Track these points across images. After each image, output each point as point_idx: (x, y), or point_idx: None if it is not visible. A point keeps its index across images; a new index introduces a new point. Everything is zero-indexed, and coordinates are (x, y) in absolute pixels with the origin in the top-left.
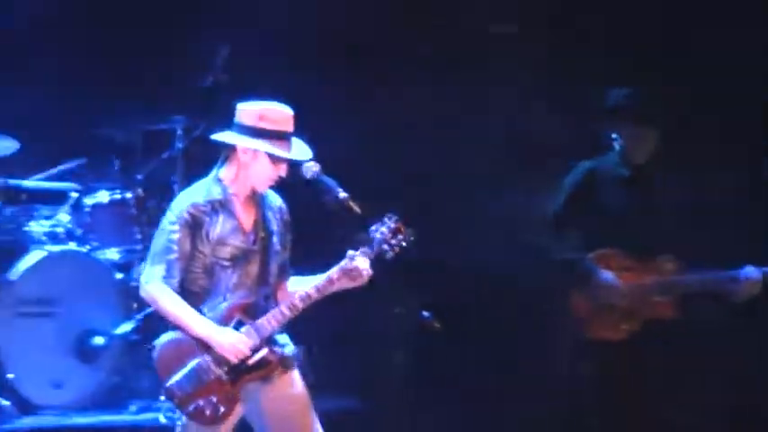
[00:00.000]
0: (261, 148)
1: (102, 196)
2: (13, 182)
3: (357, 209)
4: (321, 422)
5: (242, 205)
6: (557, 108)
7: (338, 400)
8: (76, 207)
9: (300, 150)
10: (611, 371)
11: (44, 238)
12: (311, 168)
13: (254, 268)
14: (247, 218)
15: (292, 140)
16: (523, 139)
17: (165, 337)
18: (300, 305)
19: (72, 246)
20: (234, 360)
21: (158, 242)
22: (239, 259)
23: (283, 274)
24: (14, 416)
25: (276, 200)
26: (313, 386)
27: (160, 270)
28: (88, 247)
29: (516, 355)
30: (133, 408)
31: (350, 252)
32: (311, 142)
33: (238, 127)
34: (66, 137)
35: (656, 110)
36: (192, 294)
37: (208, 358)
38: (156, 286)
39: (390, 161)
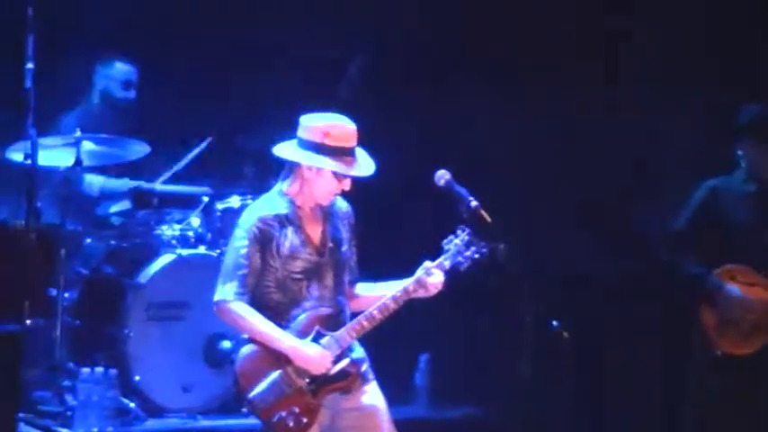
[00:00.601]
0: (325, 166)
1: (234, 201)
2: (146, 186)
3: (488, 218)
4: (447, 429)
5: (308, 217)
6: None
7: (461, 408)
8: (207, 211)
9: (364, 165)
10: (736, 385)
11: (174, 241)
12: (444, 176)
13: (327, 279)
14: (315, 230)
15: (356, 154)
16: (659, 152)
17: (246, 350)
18: (379, 316)
19: (202, 249)
20: (317, 372)
21: (229, 259)
22: (311, 272)
23: (352, 281)
24: (141, 418)
25: (342, 205)
26: (436, 394)
27: (232, 287)
28: (218, 251)
29: (639, 369)
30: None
31: (426, 263)
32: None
33: (302, 142)
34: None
35: None
36: (267, 309)
37: (289, 370)
38: (231, 304)
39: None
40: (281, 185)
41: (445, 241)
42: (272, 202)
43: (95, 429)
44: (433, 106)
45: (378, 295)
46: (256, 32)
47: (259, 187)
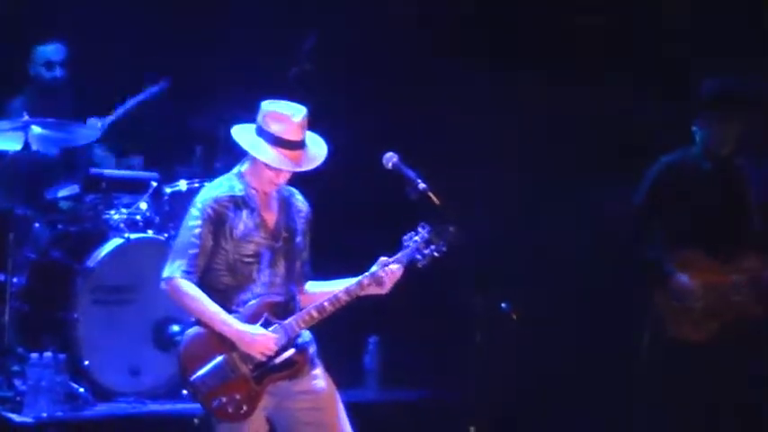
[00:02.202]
0: (256, 154)
1: (182, 185)
2: (94, 170)
3: (436, 200)
4: (399, 412)
5: (264, 202)
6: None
7: (410, 390)
8: (155, 195)
9: (304, 160)
10: (684, 370)
11: (123, 225)
12: (391, 159)
13: (279, 267)
14: (270, 215)
15: (302, 146)
16: (615, 129)
17: (191, 331)
18: (330, 308)
19: (150, 233)
20: (261, 358)
21: (181, 237)
22: (262, 257)
23: (304, 275)
24: (91, 402)
25: (300, 199)
26: (385, 376)
27: (181, 264)
28: (166, 235)
29: (591, 347)
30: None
31: (382, 259)
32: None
33: (257, 126)
34: (151, 126)
35: (740, 99)
36: (216, 292)
37: (234, 355)
38: (178, 282)
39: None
40: (240, 167)
41: (405, 237)
42: (228, 183)
43: (45, 414)
44: (391, 92)
45: (329, 291)
46: (209, 11)
47: (208, 169)
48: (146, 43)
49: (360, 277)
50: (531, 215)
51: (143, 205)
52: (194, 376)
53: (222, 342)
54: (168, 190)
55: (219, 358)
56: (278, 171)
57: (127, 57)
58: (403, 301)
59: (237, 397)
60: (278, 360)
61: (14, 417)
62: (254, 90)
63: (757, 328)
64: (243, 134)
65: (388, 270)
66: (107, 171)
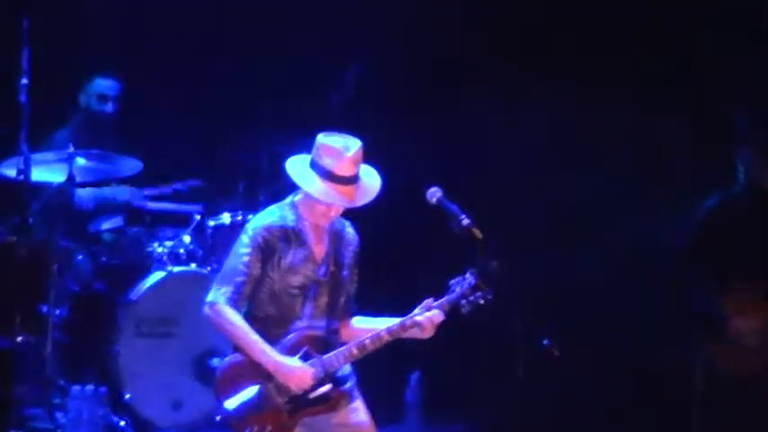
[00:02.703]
0: (306, 187)
1: (224, 218)
2: (137, 203)
3: (479, 235)
4: None
5: (315, 234)
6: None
7: (453, 425)
8: (198, 228)
9: (357, 194)
10: (740, 406)
11: (165, 258)
12: (435, 194)
13: (323, 300)
14: (319, 248)
15: (354, 182)
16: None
17: (229, 358)
18: (371, 347)
19: (193, 267)
20: (296, 391)
21: (229, 263)
22: (308, 289)
23: (348, 311)
24: None
25: (350, 231)
26: (427, 411)
27: (227, 291)
28: (209, 268)
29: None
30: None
31: (426, 301)
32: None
33: (312, 158)
34: (194, 158)
35: None
36: (258, 320)
37: (270, 386)
38: (221, 308)
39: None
40: (294, 197)
41: (452, 281)
42: (281, 213)
43: None
44: (433, 119)
45: (373, 328)
46: (248, 41)
47: (251, 202)
48: (186, 75)
49: (403, 319)
50: (575, 245)
51: (186, 238)
52: (228, 403)
53: (259, 371)
54: (212, 223)
55: (255, 387)
56: (329, 205)
57: (169, 91)
58: (445, 335)
59: (269, 428)
60: (313, 394)
61: None
62: (297, 122)
63: None
64: (296, 166)
65: (430, 315)
66: (150, 203)
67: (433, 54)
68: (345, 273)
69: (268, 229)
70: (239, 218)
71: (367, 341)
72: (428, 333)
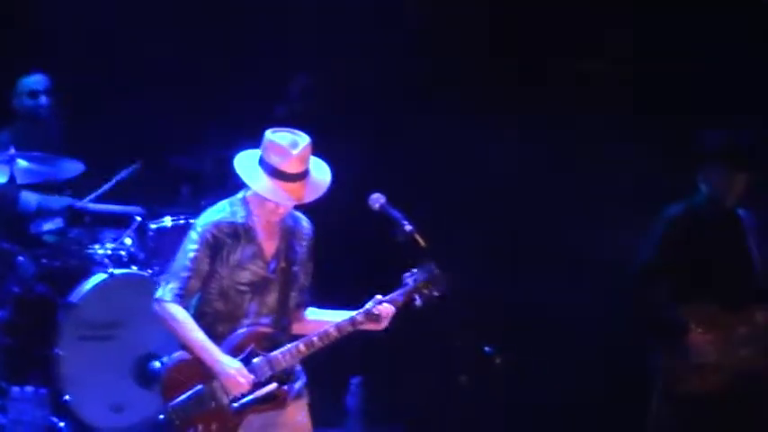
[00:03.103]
0: (252, 185)
1: (166, 221)
2: (78, 204)
3: (422, 242)
4: None
5: (265, 230)
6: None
7: (396, 429)
8: (140, 231)
9: (306, 192)
10: (693, 426)
11: (107, 260)
12: (378, 200)
13: (272, 297)
14: (269, 244)
15: (302, 178)
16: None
17: (176, 356)
18: (319, 344)
19: (134, 269)
20: (235, 393)
21: (177, 259)
22: (257, 286)
23: (301, 304)
24: None
25: (303, 223)
26: (368, 416)
27: (173, 287)
28: (150, 271)
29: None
30: None
31: (377, 297)
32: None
33: (260, 154)
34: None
35: (746, 152)
36: (205, 316)
37: (215, 384)
38: (167, 305)
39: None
40: (245, 192)
41: (406, 274)
42: (231, 209)
43: None
44: (380, 128)
45: (326, 321)
46: (198, 51)
47: (194, 207)
48: (133, 76)
49: (353, 314)
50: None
51: (128, 240)
52: (173, 402)
53: (204, 370)
54: (153, 226)
55: (199, 387)
56: (278, 203)
57: (112, 89)
58: (387, 341)
59: (213, 427)
60: (259, 394)
61: None
62: (243, 127)
63: (764, 381)
64: (244, 162)
65: (382, 308)
66: (91, 205)
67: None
68: (297, 268)
69: (216, 225)
70: (182, 221)
71: (315, 338)
72: (383, 324)
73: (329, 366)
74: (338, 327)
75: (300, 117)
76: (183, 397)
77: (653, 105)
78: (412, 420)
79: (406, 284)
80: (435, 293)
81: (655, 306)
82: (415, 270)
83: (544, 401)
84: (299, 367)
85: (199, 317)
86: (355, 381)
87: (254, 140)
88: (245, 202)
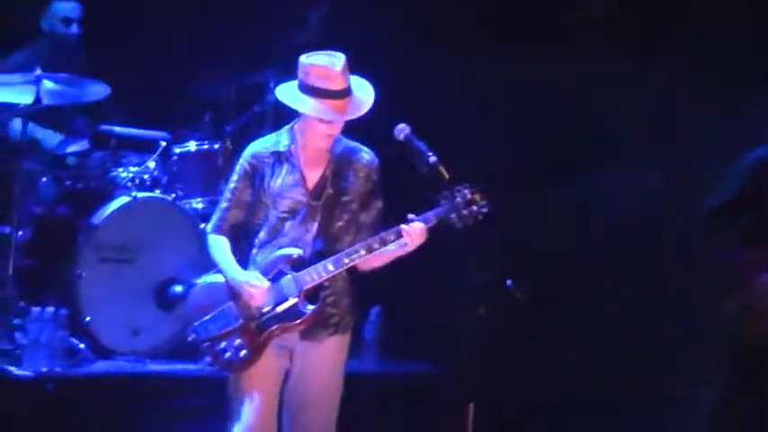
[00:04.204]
0: (297, 106)
1: (191, 146)
2: (104, 127)
3: (446, 173)
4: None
5: (311, 158)
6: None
7: (411, 363)
8: (165, 155)
9: (349, 108)
10: (759, 376)
11: (130, 184)
12: (403, 131)
13: (315, 224)
14: (314, 172)
15: (345, 96)
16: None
17: (203, 281)
18: (347, 261)
19: (157, 193)
20: (253, 304)
21: (224, 191)
22: (298, 213)
23: (360, 235)
24: (90, 359)
25: (365, 157)
26: (386, 348)
27: (215, 219)
28: (173, 195)
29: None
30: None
31: (410, 216)
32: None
33: (298, 81)
34: (161, 90)
35: None
36: (255, 245)
37: (240, 303)
38: (209, 236)
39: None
40: (294, 122)
41: (443, 194)
42: (276, 138)
43: (44, 369)
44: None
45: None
46: None
47: (218, 133)
48: (155, 6)
49: (382, 233)
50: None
51: (151, 164)
52: (198, 321)
53: (231, 291)
54: (177, 150)
55: (225, 305)
56: (328, 123)
57: (133, 18)
58: (408, 272)
59: (237, 343)
60: (279, 308)
61: (14, 370)
62: (264, 55)
63: None
64: (286, 92)
65: (412, 227)
66: (117, 128)
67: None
68: (347, 198)
69: (254, 155)
70: (205, 146)
71: (344, 256)
72: (410, 246)
73: None
74: (368, 244)
75: (318, 46)
76: (209, 316)
77: None
78: (430, 352)
79: (443, 204)
80: (478, 215)
81: (722, 249)
82: (453, 190)
83: (561, 337)
84: (346, 302)
85: (249, 245)
86: (374, 311)
87: (276, 68)
88: (291, 131)
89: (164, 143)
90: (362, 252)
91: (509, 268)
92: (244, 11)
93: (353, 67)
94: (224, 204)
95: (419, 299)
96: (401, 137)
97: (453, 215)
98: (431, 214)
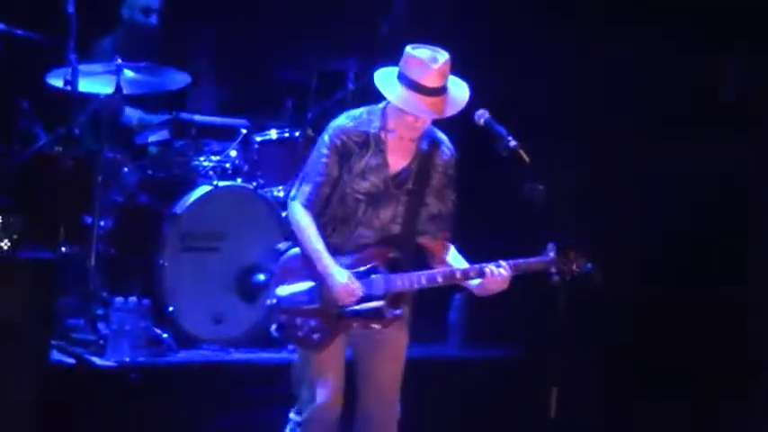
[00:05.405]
0: (389, 95)
1: (272, 133)
2: (184, 115)
3: (526, 158)
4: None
5: (397, 146)
6: None
7: (494, 348)
8: (245, 143)
9: (442, 106)
10: None
11: (211, 172)
12: (483, 115)
13: (388, 212)
14: (398, 160)
15: (440, 93)
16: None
17: (295, 251)
18: (441, 281)
19: (239, 181)
20: (339, 299)
21: (312, 161)
22: (374, 197)
23: (437, 233)
24: (173, 348)
25: (446, 150)
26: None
27: (307, 191)
28: (254, 183)
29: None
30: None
31: (501, 261)
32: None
33: (399, 69)
34: (244, 76)
35: None
36: (324, 217)
37: (323, 288)
38: (298, 208)
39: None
40: (387, 102)
41: (550, 245)
42: (368, 117)
43: (127, 358)
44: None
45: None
46: None
47: (298, 120)
48: None
49: (481, 265)
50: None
51: (232, 153)
52: (282, 289)
53: (317, 273)
54: (258, 138)
55: (310, 283)
56: (416, 116)
57: (213, 7)
58: (490, 256)
59: (312, 324)
60: (365, 306)
61: (97, 360)
62: (347, 40)
63: None
64: (384, 78)
65: (495, 270)
66: (197, 117)
67: None
68: (429, 194)
69: (347, 132)
70: (286, 134)
71: (439, 276)
72: (486, 290)
73: None
74: (464, 272)
75: (404, 33)
76: (293, 287)
77: None
78: (513, 336)
79: (545, 254)
80: (575, 272)
81: None
82: (557, 248)
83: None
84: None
85: (318, 217)
86: (458, 297)
87: (357, 55)
88: (383, 112)
89: (244, 131)
90: (458, 278)
91: (591, 255)
92: None
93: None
94: (318, 178)
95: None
96: (481, 122)
97: (553, 269)
98: (521, 262)
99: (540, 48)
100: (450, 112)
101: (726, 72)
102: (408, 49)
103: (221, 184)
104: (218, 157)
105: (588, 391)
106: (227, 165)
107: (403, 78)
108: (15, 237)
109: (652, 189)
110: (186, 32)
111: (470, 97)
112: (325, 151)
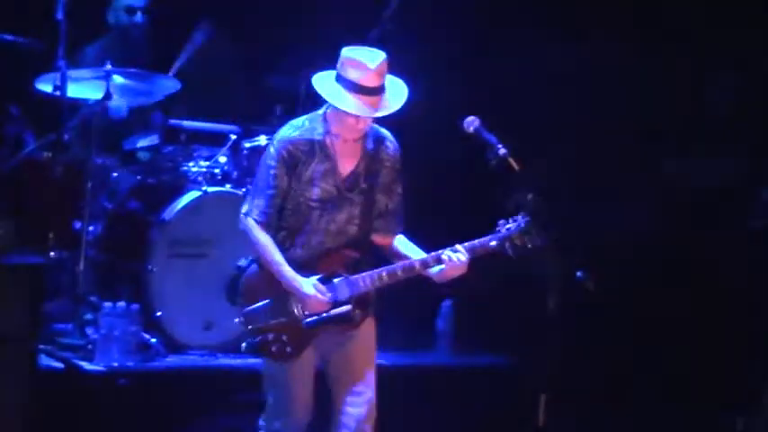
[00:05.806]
0: (328, 98)
1: (261, 140)
2: (173, 121)
3: (516, 166)
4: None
5: (343, 149)
6: None
7: (482, 356)
8: (235, 149)
9: (382, 106)
10: None
11: (201, 178)
12: (473, 123)
13: (343, 215)
14: (346, 163)
15: (379, 93)
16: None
17: (255, 266)
18: (402, 275)
19: (228, 187)
20: (307, 309)
21: (260, 175)
22: (327, 203)
23: (389, 228)
24: (162, 353)
25: (390, 146)
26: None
27: (260, 204)
28: (244, 189)
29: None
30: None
31: (457, 245)
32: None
33: (336, 72)
34: (231, 83)
35: None
36: (280, 230)
37: (290, 299)
38: (252, 223)
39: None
40: (327, 108)
41: (501, 221)
42: (311, 125)
43: (116, 363)
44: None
45: (407, 255)
46: None
47: None
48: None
49: (436, 252)
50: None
51: (222, 159)
52: (249, 308)
53: (280, 285)
54: (248, 144)
55: (276, 298)
56: (357, 117)
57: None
58: (478, 265)
59: (284, 338)
60: (333, 312)
61: (85, 365)
62: (335, 47)
63: None
64: (322, 82)
65: (453, 256)
66: (186, 123)
67: None
68: (378, 191)
69: (292, 141)
70: None
71: (399, 270)
72: (444, 277)
73: (420, 289)
74: (423, 262)
75: (394, 36)
76: (257, 305)
77: None
78: (501, 344)
79: (498, 232)
80: (530, 246)
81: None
82: (512, 219)
83: (636, 328)
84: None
85: (276, 231)
86: (446, 304)
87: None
88: (324, 118)
89: (234, 137)
90: (418, 269)
91: (581, 259)
92: (316, 4)
93: (427, 64)
94: (269, 191)
95: (490, 290)
96: (471, 129)
97: (507, 244)
98: (483, 242)
99: (528, 52)
100: (390, 110)
101: (714, 85)
102: (345, 50)
103: (210, 189)
104: (207, 163)
105: (576, 399)
106: (217, 171)
107: (342, 80)
108: (4, 242)
109: (642, 194)
110: (175, 37)
111: (458, 102)
112: (272, 163)
